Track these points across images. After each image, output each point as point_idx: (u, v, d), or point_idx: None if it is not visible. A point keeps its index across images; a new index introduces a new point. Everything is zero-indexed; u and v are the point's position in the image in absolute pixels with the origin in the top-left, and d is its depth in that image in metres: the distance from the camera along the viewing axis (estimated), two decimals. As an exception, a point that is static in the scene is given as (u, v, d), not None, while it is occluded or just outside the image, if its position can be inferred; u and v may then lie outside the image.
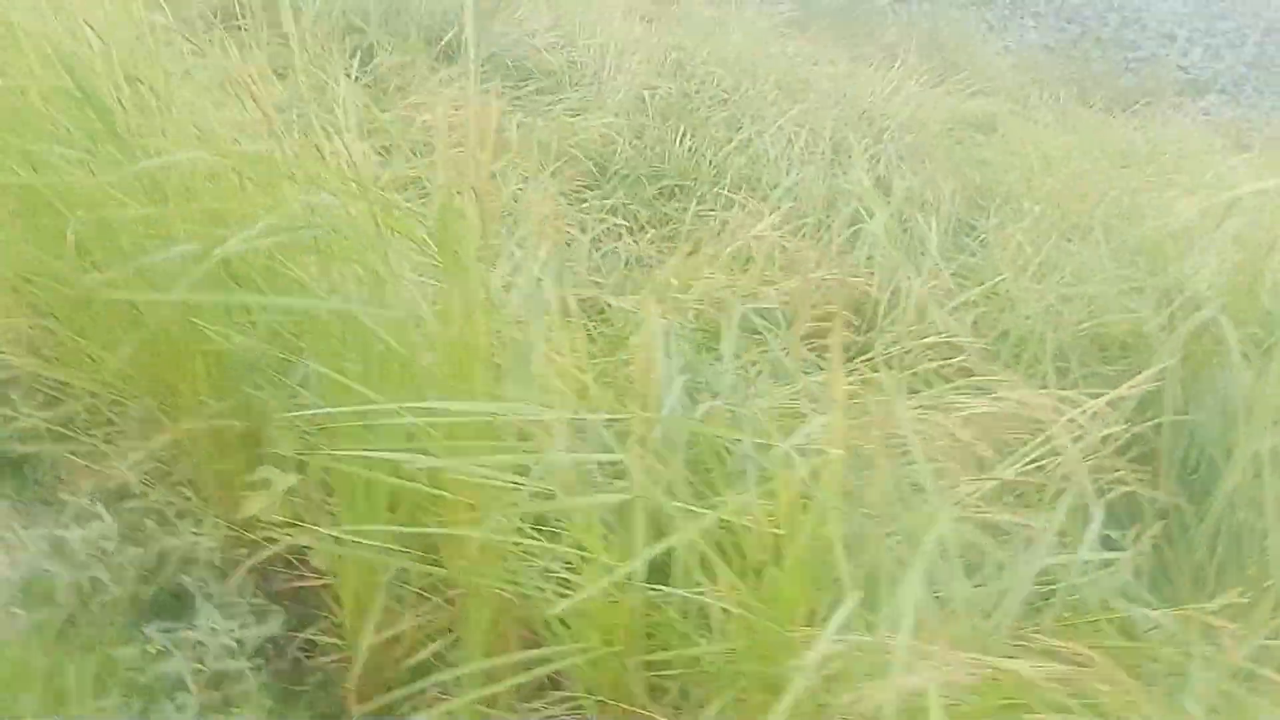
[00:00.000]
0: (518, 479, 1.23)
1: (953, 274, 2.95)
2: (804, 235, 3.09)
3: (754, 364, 1.86)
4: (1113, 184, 4.78)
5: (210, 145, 1.55)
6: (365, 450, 1.32)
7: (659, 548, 1.07)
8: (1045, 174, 4.82)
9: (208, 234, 1.41)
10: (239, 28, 4.26)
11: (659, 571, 1.32)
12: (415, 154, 3.98)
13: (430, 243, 1.32)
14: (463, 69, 4.82)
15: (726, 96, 4.45)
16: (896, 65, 6.87)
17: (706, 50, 5.54)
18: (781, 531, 1.10)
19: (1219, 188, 5.31)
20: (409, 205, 1.43)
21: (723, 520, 1.17)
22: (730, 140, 4.06)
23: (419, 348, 1.31)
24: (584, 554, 1.25)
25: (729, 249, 2.74)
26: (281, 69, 4.11)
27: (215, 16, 4.79)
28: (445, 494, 1.31)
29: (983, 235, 3.53)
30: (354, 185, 1.36)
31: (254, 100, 1.41)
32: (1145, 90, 9.38)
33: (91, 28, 1.62)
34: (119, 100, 1.46)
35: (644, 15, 6.72)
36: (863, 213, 3.11)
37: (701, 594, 1.16)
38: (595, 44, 5.38)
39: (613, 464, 1.28)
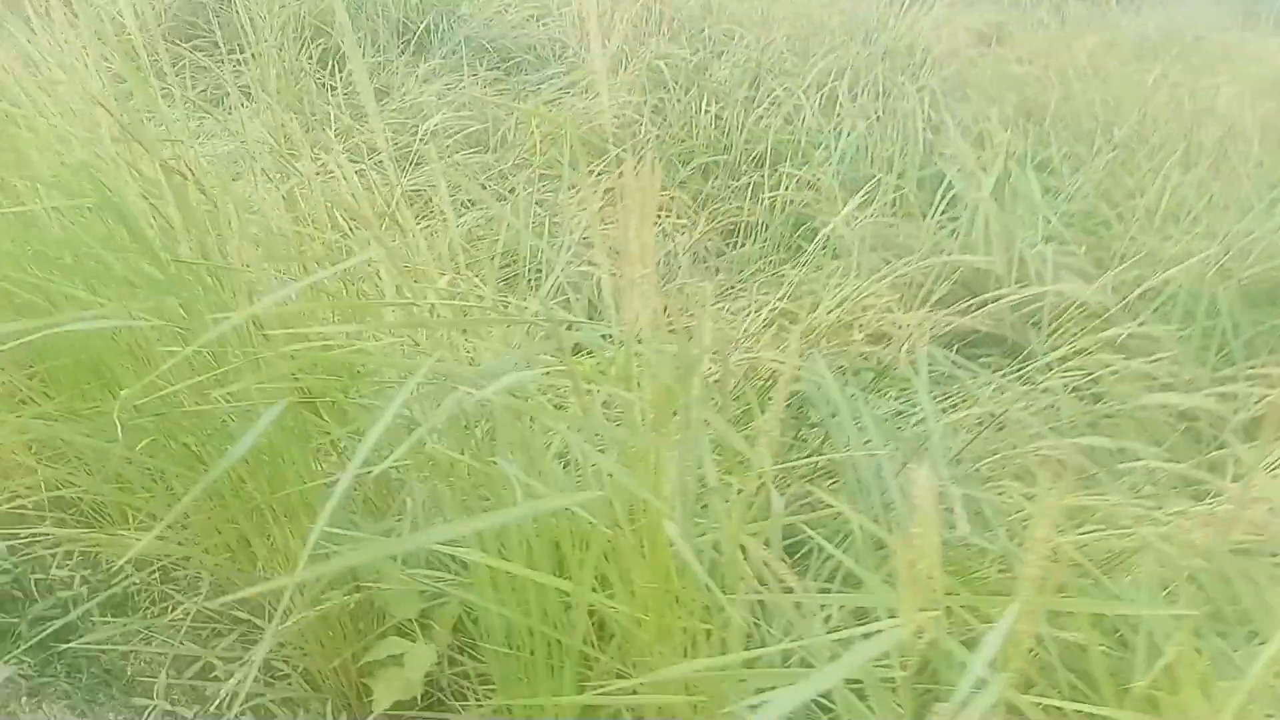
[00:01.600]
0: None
1: (1060, 224, 2.61)
2: (885, 207, 2.73)
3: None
4: (1159, 85, 4.44)
5: (277, 248, 1.18)
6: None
7: None
8: (1082, 84, 4.47)
9: (292, 385, 1.05)
10: (203, 48, 3.81)
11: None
12: (410, 165, 3.61)
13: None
14: (441, 62, 4.41)
15: (740, 53, 4.04)
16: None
17: (692, 2, 5.11)
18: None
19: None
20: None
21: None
22: (757, 102, 3.67)
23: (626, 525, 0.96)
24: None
25: (818, 241, 2.38)
26: (244, 87, 3.65)
27: (174, 38, 4.35)
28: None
29: (1063, 171, 3.17)
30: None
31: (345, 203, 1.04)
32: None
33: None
34: (152, 205, 1.09)
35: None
36: (945, 170, 2.75)
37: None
38: (572, 11, 4.95)
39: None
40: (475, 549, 1.04)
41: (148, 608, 1.65)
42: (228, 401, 1.13)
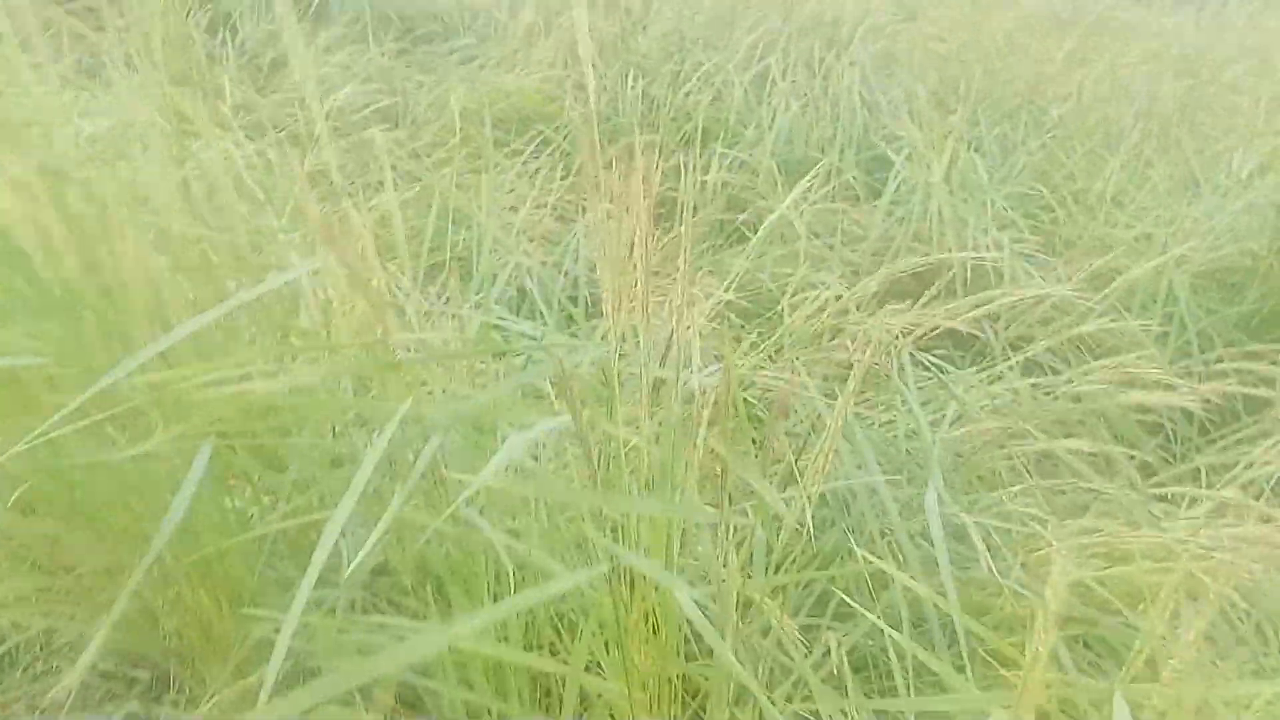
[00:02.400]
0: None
1: (1006, 209, 2.54)
2: (830, 191, 2.61)
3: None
4: (1074, 63, 4.47)
5: (180, 256, 0.97)
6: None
7: None
8: (1001, 61, 4.46)
9: (212, 427, 0.86)
10: (76, 13, 3.44)
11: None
12: (315, 143, 3.33)
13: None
14: (343, 31, 4.11)
15: (663, 24, 3.87)
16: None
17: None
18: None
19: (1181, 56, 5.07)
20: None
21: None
22: (684, 77, 3.52)
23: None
24: None
25: (764, 228, 2.24)
26: (126, 57, 3.31)
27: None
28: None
29: (994, 152, 3.11)
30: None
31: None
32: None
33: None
34: (24, 210, 0.87)
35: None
36: (889, 154, 2.65)
37: None
38: (481, -24, 4.71)
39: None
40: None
41: (25, 670, 1.42)
42: (124, 445, 0.93)
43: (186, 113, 1.85)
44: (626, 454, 0.86)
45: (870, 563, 0.91)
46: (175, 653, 1.22)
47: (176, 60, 3.27)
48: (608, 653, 0.95)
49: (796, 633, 0.96)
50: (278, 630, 0.80)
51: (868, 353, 1.42)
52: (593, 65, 2.96)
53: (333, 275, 0.91)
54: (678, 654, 0.97)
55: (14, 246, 0.87)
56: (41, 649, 1.40)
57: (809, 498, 0.83)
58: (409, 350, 1.14)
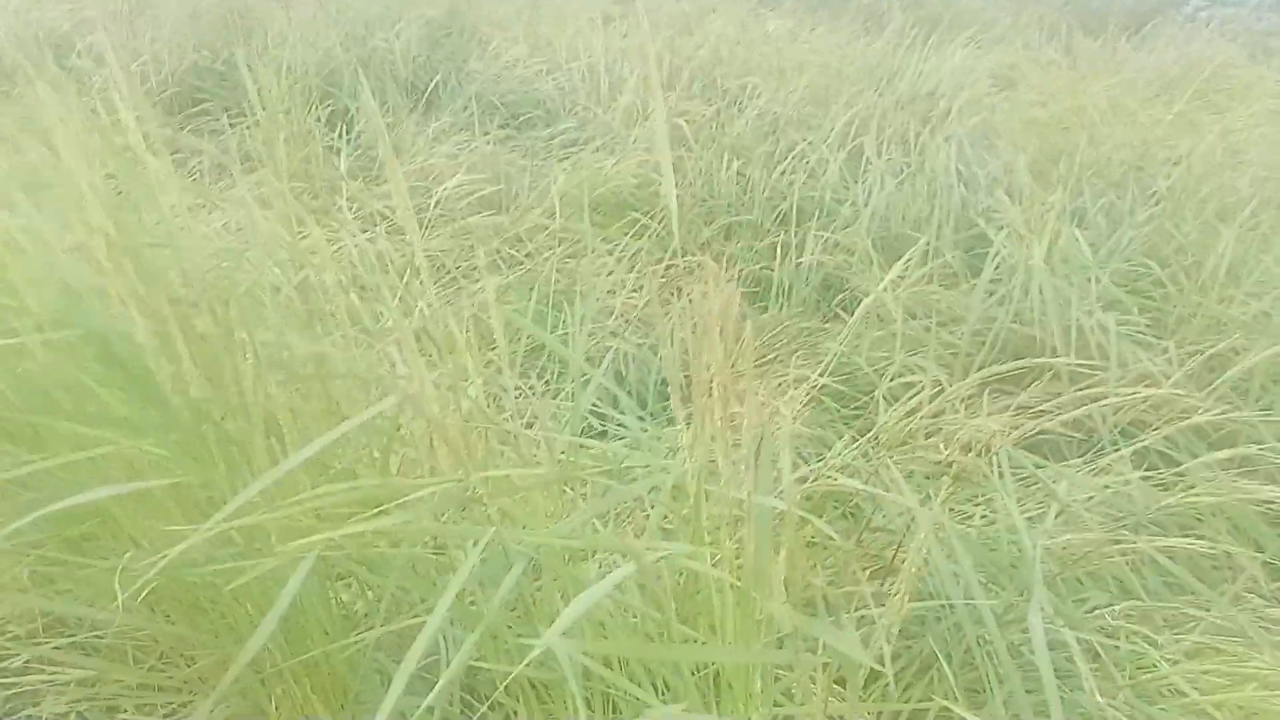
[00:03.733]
0: None
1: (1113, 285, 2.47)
2: (928, 272, 2.59)
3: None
4: (1183, 127, 4.32)
5: (296, 370, 1.04)
6: None
7: None
8: (1106, 126, 4.36)
9: (319, 537, 0.91)
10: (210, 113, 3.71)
11: None
12: (430, 226, 3.48)
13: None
14: (451, 120, 4.31)
15: (759, 105, 3.93)
16: (888, 29, 6.36)
17: (701, 51, 5.04)
18: None
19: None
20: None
21: None
22: (779, 157, 3.56)
23: None
24: None
25: (860, 310, 2.24)
26: (248, 155, 3.52)
27: (181, 104, 4.26)
28: None
29: (1100, 224, 3.04)
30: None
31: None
32: (1139, 9, 8.94)
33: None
34: (157, 335, 0.95)
35: (607, 17, 6.22)
36: (988, 231, 2.62)
37: None
38: (581, 65, 4.87)
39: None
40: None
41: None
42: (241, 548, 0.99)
43: (300, 209, 1.97)
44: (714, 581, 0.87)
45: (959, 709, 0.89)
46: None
47: (296, 155, 3.49)
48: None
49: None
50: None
51: (963, 453, 1.40)
52: (687, 149, 3.01)
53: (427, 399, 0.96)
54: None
55: (141, 370, 0.94)
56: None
57: (889, 633, 0.82)
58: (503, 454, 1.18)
